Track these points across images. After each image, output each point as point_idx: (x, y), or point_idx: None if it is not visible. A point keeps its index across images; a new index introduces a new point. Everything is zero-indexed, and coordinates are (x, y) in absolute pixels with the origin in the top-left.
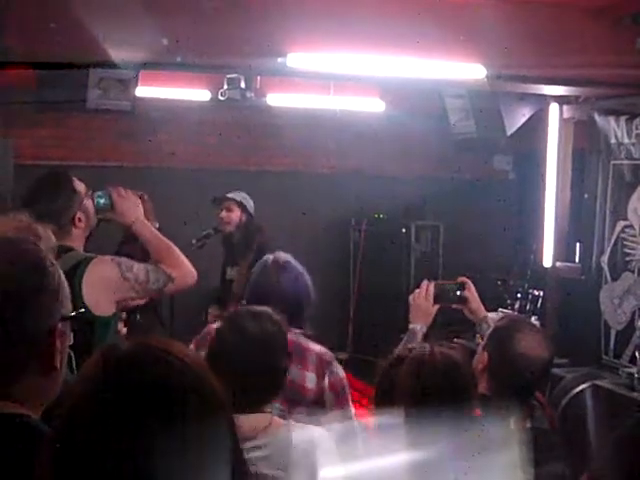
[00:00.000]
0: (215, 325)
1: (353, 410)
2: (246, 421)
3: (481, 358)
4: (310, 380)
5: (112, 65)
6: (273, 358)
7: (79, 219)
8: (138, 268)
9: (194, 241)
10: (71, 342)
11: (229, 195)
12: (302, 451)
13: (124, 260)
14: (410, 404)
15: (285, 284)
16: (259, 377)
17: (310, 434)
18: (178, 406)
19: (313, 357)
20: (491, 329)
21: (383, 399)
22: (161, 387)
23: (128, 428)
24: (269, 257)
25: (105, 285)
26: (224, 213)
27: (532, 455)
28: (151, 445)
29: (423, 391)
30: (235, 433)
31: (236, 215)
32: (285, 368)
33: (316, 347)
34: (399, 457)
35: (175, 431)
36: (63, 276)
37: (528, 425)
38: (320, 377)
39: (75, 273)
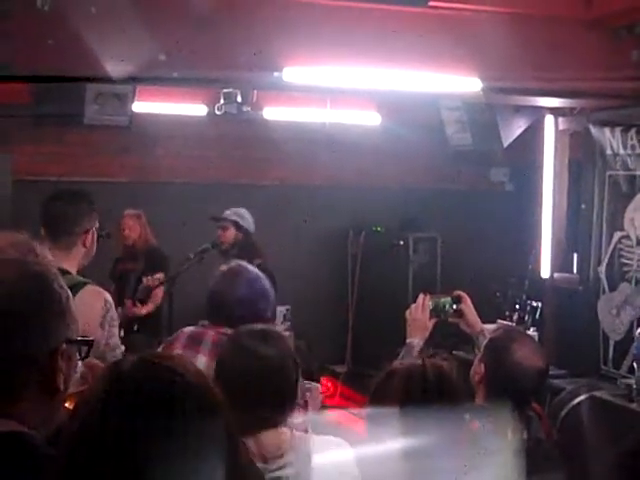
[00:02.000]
0: (189, 330)
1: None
2: (268, 439)
3: (478, 369)
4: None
5: (109, 80)
6: (286, 376)
7: (88, 239)
8: (116, 339)
9: (191, 255)
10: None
11: (226, 213)
12: (326, 464)
13: (114, 314)
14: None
15: (239, 288)
16: (274, 396)
17: (332, 444)
18: (182, 420)
19: None
20: (487, 340)
21: None
22: (164, 402)
23: (133, 443)
24: (223, 267)
25: (88, 314)
26: (220, 232)
27: (528, 465)
28: (156, 458)
29: (414, 403)
30: (238, 445)
31: (231, 233)
32: (297, 381)
33: None
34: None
35: (179, 445)
36: (72, 299)
37: (525, 436)
38: None
39: None
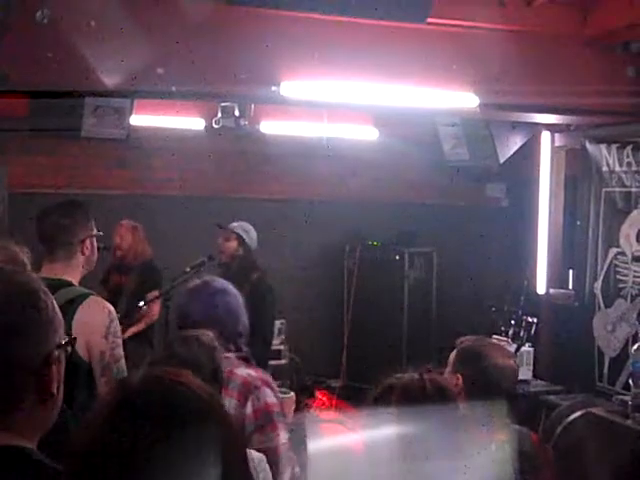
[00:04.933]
0: None
1: (281, 437)
2: None
3: (453, 381)
4: (229, 405)
5: (107, 94)
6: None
7: (86, 247)
8: (120, 349)
9: (188, 269)
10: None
11: (232, 225)
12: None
13: (117, 325)
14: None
15: (212, 307)
16: None
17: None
18: (192, 436)
19: (237, 382)
20: (456, 351)
21: None
22: (174, 418)
23: (144, 460)
24: (198, 281)
25: (92, 325)
26: (221, 240)
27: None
28: (166, 472)
29: (412, 417)
30: (246, 459)
31: (232, 246)
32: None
33: (245, 371)
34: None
35: (190, 461)
36: (56, 304)
37: (509, 448)
38: (242, 403)
39: (68, 309)
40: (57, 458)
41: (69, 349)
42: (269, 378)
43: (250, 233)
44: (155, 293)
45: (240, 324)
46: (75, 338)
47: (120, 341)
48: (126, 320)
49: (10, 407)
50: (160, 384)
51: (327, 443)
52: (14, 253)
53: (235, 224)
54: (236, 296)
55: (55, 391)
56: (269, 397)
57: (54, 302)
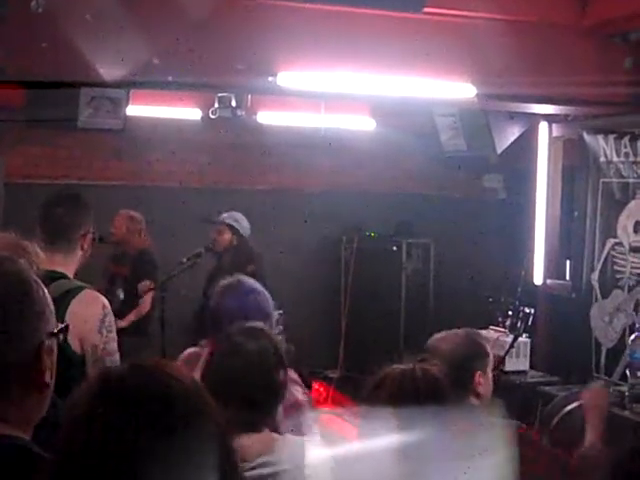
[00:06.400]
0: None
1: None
2: (248, 440)
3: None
4: None
5: (103, 84)
6: (268, 373)
7: (86, 242)
8: (114, 344)
9: (184, 259)
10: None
11: (222, 216)
12: (306, 465)
13: (112, 319)
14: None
15: (230, 303)
16: (257, 394)
17: (307, 445)
18: (176, 427)
19: None
20: None
21: None
22: (158, 408)
23: (126, 450)
24: (232, 279)
25: (86, 318)
26: (214, 234)
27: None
28: (150, 465)
29: (405, 407)
30: (233, 452)
31: (226, 238)
32: (282, 382)
33: None
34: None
35: (174, 451)
36: (47, 292)
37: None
38: None
39: (62, 301)
40: (50, 449)
41: (61, 337)
42: (296, 376)
43: (241, 222)
44: (147, 283)
45: (268, 322)
46: (67, 326)
47: (114, 335)
48: (119, 312)
49: (3, 398)
50: (144, 375)
51: (324, 437)
52: (16, 242)
53: (225, 215)
54: (265, 294)
55: (48, 380)
56: (299, 395)
57: (46, 291)
